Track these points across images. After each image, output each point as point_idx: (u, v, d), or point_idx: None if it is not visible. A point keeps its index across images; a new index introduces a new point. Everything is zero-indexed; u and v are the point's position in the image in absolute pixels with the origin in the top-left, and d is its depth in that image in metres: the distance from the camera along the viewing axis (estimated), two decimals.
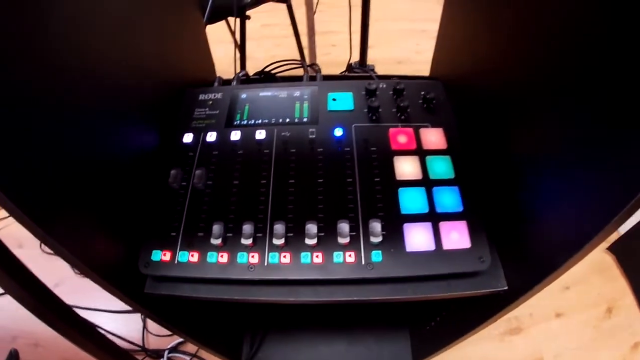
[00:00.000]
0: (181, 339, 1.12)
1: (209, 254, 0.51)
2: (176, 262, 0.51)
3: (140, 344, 1.12)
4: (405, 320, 1.04)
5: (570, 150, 0.41)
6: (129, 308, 1.18)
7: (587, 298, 1.27)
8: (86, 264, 0.41)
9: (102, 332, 0.56)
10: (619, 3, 0.33)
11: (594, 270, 1.32)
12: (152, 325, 1.15)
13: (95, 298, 1.17)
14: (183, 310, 0.66)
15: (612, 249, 1.33)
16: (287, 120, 0.62)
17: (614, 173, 0.35)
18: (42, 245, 1.30)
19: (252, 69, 0.80)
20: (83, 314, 0.49)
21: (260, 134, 0.59)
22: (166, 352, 1.10)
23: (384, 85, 0.65)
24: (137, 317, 1.17)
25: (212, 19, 1.03)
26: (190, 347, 1.12)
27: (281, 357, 1.00)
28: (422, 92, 0.63)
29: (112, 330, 1.10)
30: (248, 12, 1.21)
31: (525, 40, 0.48)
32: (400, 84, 0.63)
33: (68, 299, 0.48)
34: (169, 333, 1.12)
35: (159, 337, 1.13)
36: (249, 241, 0.50)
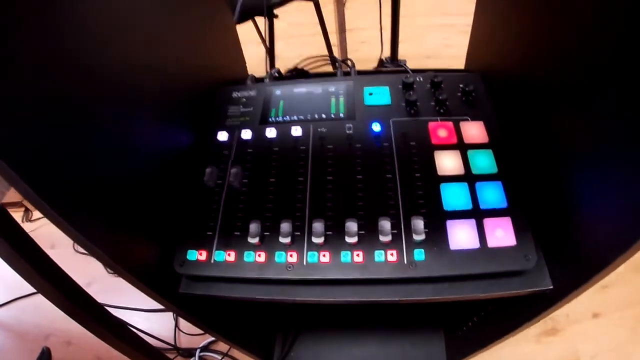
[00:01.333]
0: (213, 338, 1.12)
1: (246, 253, 0.51)
2: (212, 261, 0.51)
3: (172, 342, 1.13)
4: (440, 321, 1.02)
5: (619, 144, 0.39)
6: (160, 307, 1.19)
7: (625, 298, 1.22)
8: (121, 265, 0.41)
9: (134, 330, 0.56)
10: None
11: (633, 268, 1.27)
12: (183, 323, 1.16)
13: (128, 297, 1.18)
14: (216, 310, 0.66)
15: None
16: (323, 116, 0.61)
17: None
18: (75, 245, 1.32)
19: (281, 68, 0.80)
20: (115, 312, 0.49)
21: (296, 131, 0.58)
22: (198, 351, 1.10)
23: (421, 79, 0.63)
24: (169, 315, 1.18)
25: (242, 19, 1.03)
26: (222, 346, 1.13)
27: (313, 357, 0.99)
28: (461, 85, 0.61)
29: (144, 328, 1.10)
30: (276, 12, 1.21)
31: (564, 27, 0.46)
32: (438, 77, 0.61)
33: (100, 298, 0.48)
34: (201, 332, 1.13)
35: (191, 335, 1.14)
36: (287, 240, 0.49)
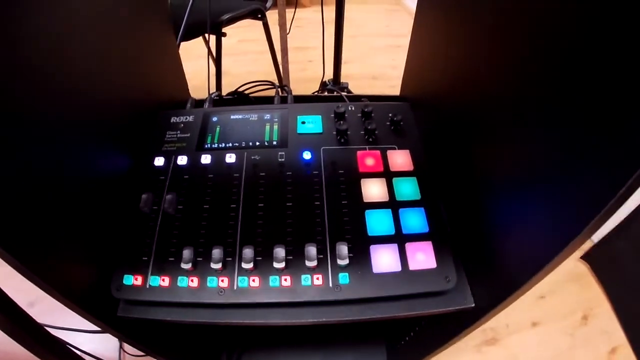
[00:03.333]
0: None
1: (179, 278, 0.51)
2: (147, 286, 0.52)
3: None
4: (382, 335, 1.05)
5: (532, 171, 0.42)
6: None
7: (562, 306, 1.29)
8: (58, 290, 0.42)
9: (79, 352, 0.55)
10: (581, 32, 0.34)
11: (569, 278, 1.35)
12: (128, 345, 1.14)
13: (73, 317, 1.13)
14: (158, 332, 0.66)
15: (586, 257, 1.37)
16: (257, 143, 0.62)
17: (570, 197, 0.36)
18: None
19: (228, 84, 0.81)
20: (59, 334, 0.49)
21: (231, 158, 0.60)
22: None
23: (353, 108, 0.66)
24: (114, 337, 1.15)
25: (187, 37, 1.03)
26: None
27: None
28: (390, 114, 0.64)
29: (89, 350, 1.07)
30: (226, 29, 1.22)
31: (488, 63, 0.50)
32: (369, 107, 0.64)
33: (44, 319, 0.47)
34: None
35: (136, 357, 1.12)
36: (219, 265, 0.51)
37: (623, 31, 0.30)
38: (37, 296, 1.16)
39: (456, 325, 0.59)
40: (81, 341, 1.13)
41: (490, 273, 0.51)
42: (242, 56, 2.05)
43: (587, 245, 1.37)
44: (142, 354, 1.09)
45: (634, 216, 1.18)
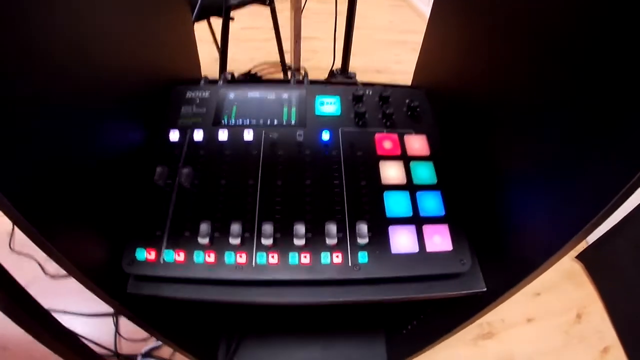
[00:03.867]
0: (155, 344, 1.09)
1: (195, 253, 0.51)
2: (161, 261, 0.51)
3: (112, 348, 1.09)
4: (381, 324, 1.05)
5: (545, 162, 0.43)
6: (100, 311, 1.14)
7: (557, 304, 1.31)
8: (70, 261, 0.40)
9: (77, 336, 0.54)
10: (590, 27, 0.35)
11: (564, 277, 1.37)
12: (124, 329, 1.12)
13: (66, 300, 1.13)
14: (160, 312, 0.65)
15: (580, 257, 1.39)
16: (275, 122, 0.62)
17: (583, 188, 0.37)
18: (11, 243, 1.25)
19: (232, 71, 0.80)
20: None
21: (248, 135, 0.59)
22: (139, 357, 1.07)
23: (370, 92, 0.66)
24: (109, 321, 1.14)
25: (198, 17, 1.03)
26: (164, 352, 1.10)
27: None
28: (407, 100, 0.65)
29: (83, 334, 1.06)
30: (231, 14, 1.21)
31: (503, 56, 0.51)
32: (387, 91, 0.65)
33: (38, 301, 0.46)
34: (142, 338, 1.10)
35: (132, 341, 1.11)
36: (237, 241, 0.50)
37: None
38: (31, 279, 1.15)
39: (462, 313, 0.60)
40: (76, 325, 1.12)
41: (503, 258, 0.51)
42: (245, 43, 2.04)
43: (582, 246, 1.39)
44: (139, 338, 1.09)
45: (628, 218, 1.20)
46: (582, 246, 1.39)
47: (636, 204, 1.17)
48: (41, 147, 0.38)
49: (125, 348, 1.11)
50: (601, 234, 1.30)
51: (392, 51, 2.10)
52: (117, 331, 1.12)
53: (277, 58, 1.51)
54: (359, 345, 1.01)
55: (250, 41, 2.04)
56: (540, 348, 1.21)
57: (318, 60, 1.96)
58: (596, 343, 1.23)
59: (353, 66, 1.35)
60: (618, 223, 1.24)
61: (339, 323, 1.05)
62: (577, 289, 1.34)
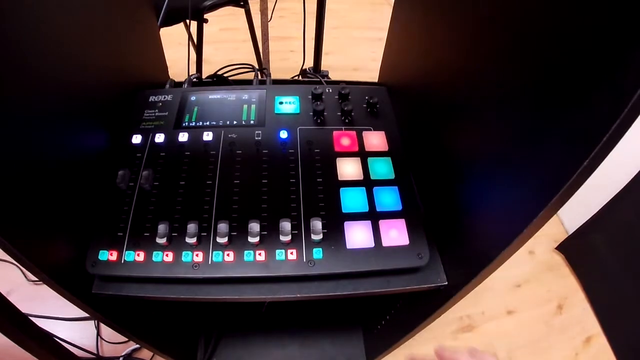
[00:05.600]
0: (135, 346, 1.10)
1: (154, 253, 0.52)
2: (123, 261, 0.52)
3: (95, 351, 1.10)
4: (358, 321, 1.06)
5: (497, 152, 0.44)
6: (82, 315, 1.15)
7: (537, 296, 1.32)
8: (37, 265, 0.41)
9: (58, 341, 0.55)
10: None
11: (544, 269, 1.38)
12: (105, 332, 1.13)
13: (48, 306, 1.14)
14: (135, 314, 0.66)
15: (560, 248, 1.40)
16: (235, 122, 0.63)
17: (532, 179, 0.38)
18: None
19: (209, 72, 0.81)
20: (36, 322, 0.48)
21: (208, 136, 0.60)
22: (120, 359, 1.08)
23: (330, 90, 0.67)
24: (91, 324, 1.14)
25: (168, 22, 1.03)
26: (145, 354, 1.10)
27: None
28: (367, 97, 0.66)
29: (66, 338, 1.06)
30: (207, 16, 1.21)
31: (460, 53, 0.52)
32: (346, 89, 0.65)
33: (20, 307, 0.47)
34: (123, 340, 1.10)
35: (113, 344, 1.11)
36: (194, 240, 0.51)
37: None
38: (13, 286, 1.15)
39: (430, 304, 0.60)
40: (58, 329, 1.13)
41: (462, 251, 0.52)
42: (223, 44, 2.04)
43: (562, 237, 1.40)
44: (121, 340, 1.09)
45: (607, 208, 1.21)
46: (561, 237, 1.40)
47: (612, 195, 1.18)
48: (5, 151, 0.39)
49: (107, 351, 1.11)
50: (579, 225, 1.31)
51: (369, 49, 2.10)
52: (98, 334, 1.12)
53: (255, 58, 1.51)
54: (336, 342, 1.02)
55: (229, 42, 2.04)
56: (521, 340, 1.21)
57: (294, 60, 1.95)
58: (578, 333, 1.24)
59: (329, 64, 1.36)
60: (596, 214, 1.25)
61: (317, 321, 1.05)
62: (558, 280, 1.35)
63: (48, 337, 0.51)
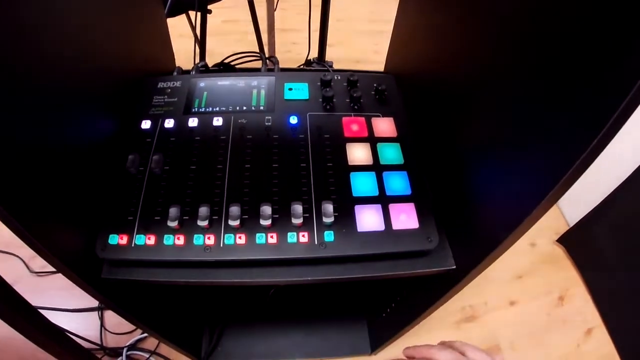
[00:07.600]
0: (139, 337, 1.10)
1: (165, 236, 0.52)
2: (133, 245, 0.52)
3: (99, 342, 1.10)
4: (363, 310, 1.07)
5: (504, 139, 0.45)
6: (85, 306, 1.15)
7: (539, 287, 1.32)
8: (50, 251, 0.41)
9: (65, 332, 0.55)
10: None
11: (545, 260, 1.38)
12: (109, 323, 1.13)
13: (52, 297, 1.14)
14: (143, 302, 0.66)
15: (561, 240, 1.41)
16: (244, 108, 0.63)
17: (539, 163, 0.38)
18: None
19: (212, 63, 0.81)
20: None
21: (218, 121, 0.60)
22: (125, 350, 1.08)
23: (339, 77, 0.67)
24: (95, 315, 1.14)
25: (174, 12, 1.03)
26: (149, 344, 1.11)
27: (240, 349, 1.00)
28: (375, 84, 0.66)
29: (70, 329, 1.07)
30: (211, 7, 1.21)
31: (467, 41, 0.52)
32: (354, 76, 0.66)
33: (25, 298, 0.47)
34: (127, 330, 1.11)
35: (117, 335, 1.11)
36: (205, 223, 0.51)
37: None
38: (17, 277, 1.15)
39: (435, 291, 0.61)
40: (62, 320, 1.13)
41: (470, 235, 0.53)
42: (226, 36, 2.04)
43: (563, 229, 1.41)
44: (125, 331, 1.10)
45: (608, 201, 1.22)
46: (563, 229, 1.41)
47: (613, 188, 1.19)
48: (18, 137, 0.39)
49: (111, 341, 1.11)
50: (581, 217, 1.32)
51: (371, 41, 2.10)
52: (102, 325, 1.12)
53: (257, 50, 1.49)
54: (341, 331, 1.02)
55: (232, 34, 2.04)
56: (523, 330, 1.22)
57: (297, 51, 1.96)
58: (579, 325, 1.25)
59: (332, 56, 1.35)
60: (597, 206, 1.26)
61: (321, 310, 1.06)
62: (559, 272, 1.36)
63: (55, 328, 0.51)
